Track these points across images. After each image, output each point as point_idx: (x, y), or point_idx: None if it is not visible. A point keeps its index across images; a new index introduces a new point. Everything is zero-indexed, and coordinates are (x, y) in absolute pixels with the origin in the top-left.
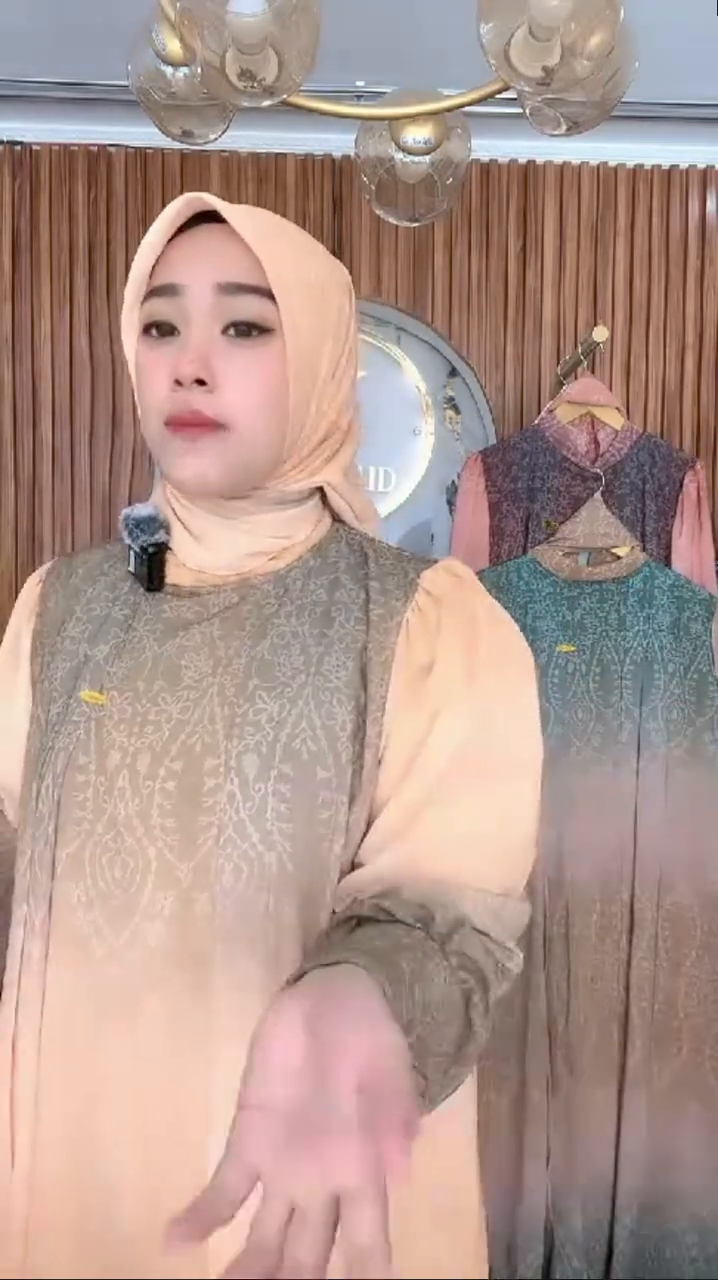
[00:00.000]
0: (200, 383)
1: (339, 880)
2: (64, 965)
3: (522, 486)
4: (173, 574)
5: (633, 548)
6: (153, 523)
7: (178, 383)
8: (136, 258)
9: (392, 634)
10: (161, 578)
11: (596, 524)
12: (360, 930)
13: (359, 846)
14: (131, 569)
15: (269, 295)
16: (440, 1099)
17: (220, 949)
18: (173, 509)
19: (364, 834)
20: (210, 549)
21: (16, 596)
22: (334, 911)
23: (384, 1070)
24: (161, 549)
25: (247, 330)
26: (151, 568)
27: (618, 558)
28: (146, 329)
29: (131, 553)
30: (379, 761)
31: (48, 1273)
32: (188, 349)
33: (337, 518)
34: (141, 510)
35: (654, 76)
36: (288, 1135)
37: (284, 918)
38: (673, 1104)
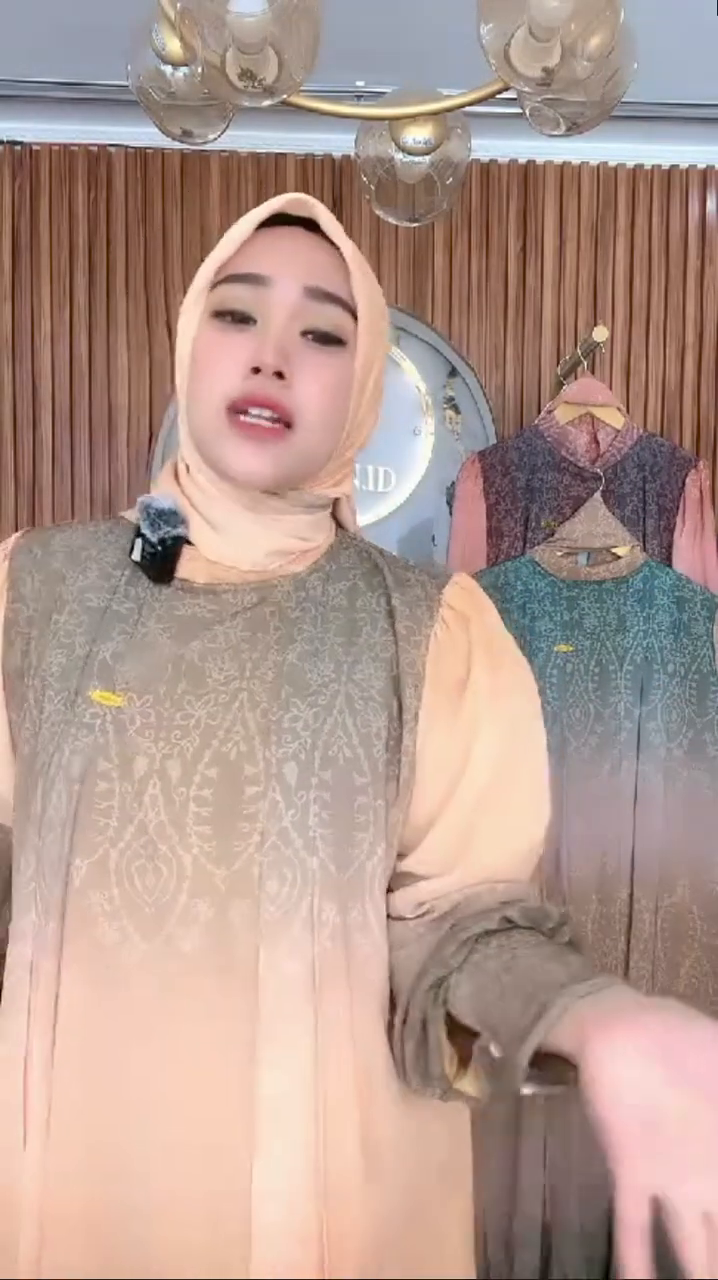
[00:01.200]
0: (279, 375)
1: (378, 880)
2: (83, 978)
3: (520, 487)
4: (184, 569)
5: (633, 548)
6: (174, 515)
7: (255, 370)
8: (226, 240)
9: (420, 648)
10: (172, 572)
11: (594, 524)
12: (520, 941)
13: (397, 850)
14: (136, 558)
15: (349, 309)
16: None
17: (264, 953)
18: (190, 499)
19: (399, 836)
20: (231, 542)
21: None
22: (399, 917)
23: None
24: (179, 542)
25: (324, 338)
26: (167, 561)
27: (617, 557)
28: (219, 314)
29: (140, 543)
30: (413, 770)
31: None
32: (269, 338)
33: (338, 524)
34: (163, 501)
35: (654, 76)
36: (678, 1150)
37: (325, 918)
38: None
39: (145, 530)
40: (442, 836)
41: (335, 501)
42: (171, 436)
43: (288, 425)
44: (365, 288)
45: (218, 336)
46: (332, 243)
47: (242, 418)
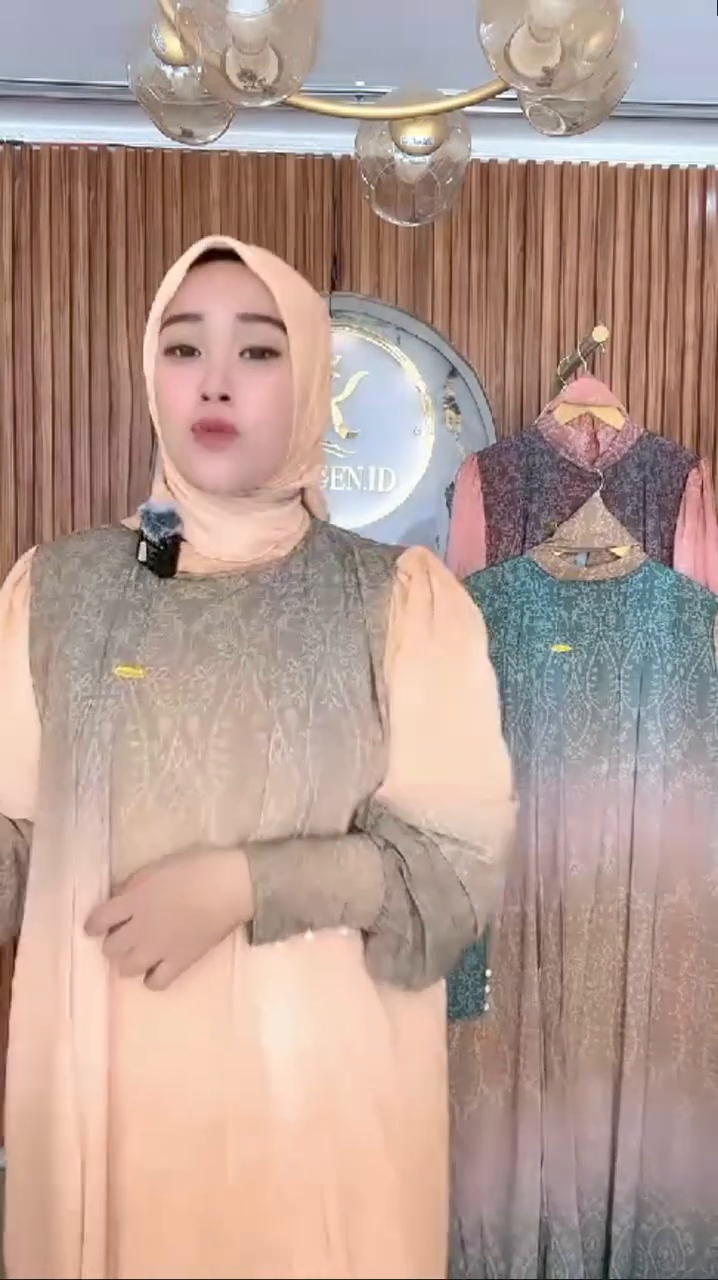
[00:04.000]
0: (224, 398)
1: (360, 803)
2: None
3: (519, 487)
4: (184, 563)
5: (632, 547)
6: (173, 517)
7: (205, 397)
8: (164, 289)
9: (384, 609)
10: (174, 567)
11: (593, 524)
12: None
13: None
14: (143, 559)
15: (279, 324)
16: (358, 925)
17: None
18: (180, 504)
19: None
20: (218, 538)
21: None
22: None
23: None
24: (178, 540)
25: (261, 354)
26: (169, 557)
27: (616, 557)
28: (169, 350)
29: (144, 544)
30: (388, 711)
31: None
32: (213, 368)
33: (310, 513)
34: (160, 506)
35: (654, 76)
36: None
37: (311, 834)
38: (670, 1102)
39: (148, 533)
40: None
41: (304, 493)
42: None
43: (240, 435)
44: (292, 302)
45: (172, 370)
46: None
47: (201, 432)
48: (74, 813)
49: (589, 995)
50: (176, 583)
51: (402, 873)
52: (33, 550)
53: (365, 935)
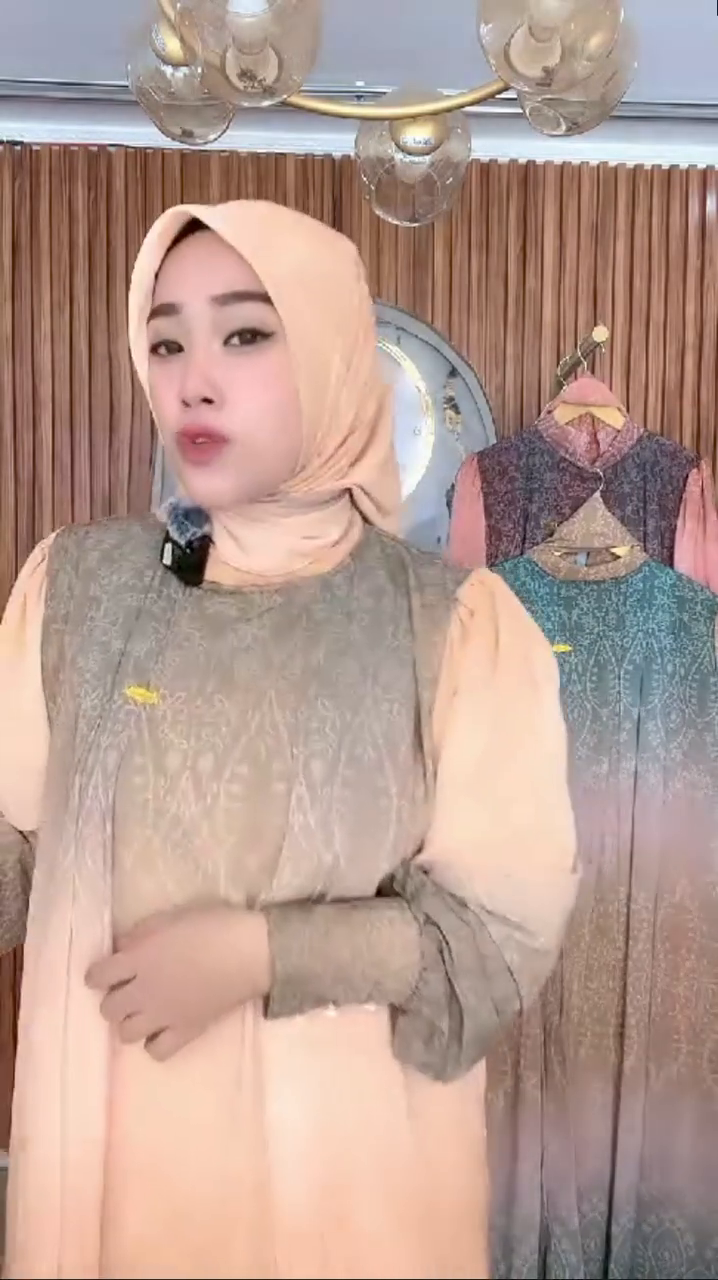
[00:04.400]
0: (207, 400)
1: (384, 874)
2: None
3: (519, 487)
4: (213, 571)
5: (633, 547)
6: (200, 514)
7: (185, 403)
8: (134, 279)
9: (437, 649)
10: (202, 574)
11: (593, 524)
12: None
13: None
14: (167, 562)
15: (263, 298)
16: (387, 1002)
17: None
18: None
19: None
20: (248, 549)
21: None
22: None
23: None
24: (207, 541)
25: (249, 338)
26: (197, 563)
27: (617, 557)
28: (154, 348)
29: (169, 546)
30: (436, 770)
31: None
32: (190, 366)
33: (365, 518)
34: (188, 501)
35: (654, 76)
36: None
37: (337, 899)
38: (671, 1103)
39: (174, 534)
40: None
41: (351, 493)
42: None
43: (231, 441)
44: (280, 267)
45: (158, 370)
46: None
47: (189, 444)
48: (74, 847)
49: (590, 996)
50: (203, 593)
51: (442, 956)
52: (52, 536)
53: (394, 1009)
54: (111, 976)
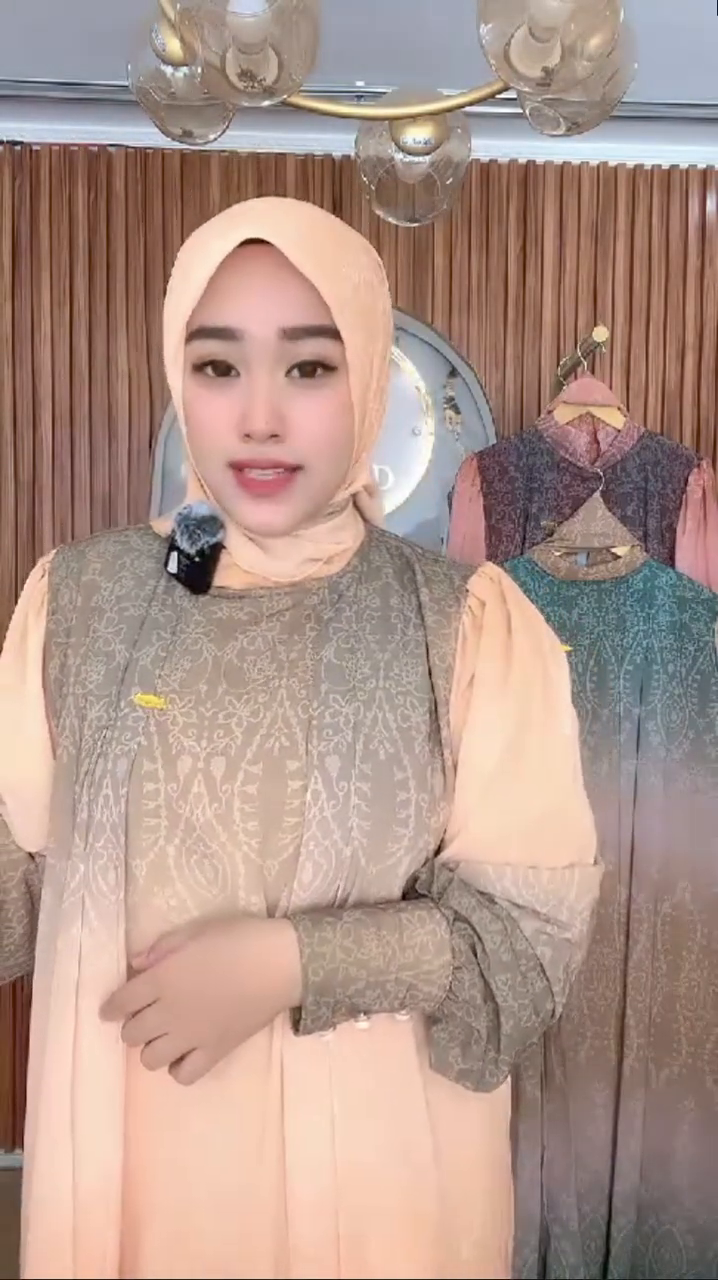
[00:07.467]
0: (273, 435)
1: (407, 872)
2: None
3: (518, 487)
4: (220, 576)
5: (633, 547)
6: (214, 522)
7: (248, 435)
8: (180, 290)
9: (450, 641)
10: (209, 581)
11: (593, 524)
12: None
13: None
14: (173, 570)
15: (332, 334)
16: (419, 1009)
17: None
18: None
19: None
20: (273, 556)
21: (16, 596)
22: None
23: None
24: (218, 549)
25: (312, 370)
26: (205, 571)
27: (616, 557)
28: (199, 367)
29: (176, 554)
30: (454, 763)
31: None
32: (256, 400)
33: (364, 518)
34: (201, 508)
35: (654, 76)
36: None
37: (360, 902)
38: (671, 1104)
39: (182, 543)
40: (450, 821)
41: (354, 496)
42: (172, 437)
43: (298, 470)
44: (347, 298)
45: (204, 392)
46: None
47: (247, 473)
48: (83, 863)
49: (590, 996)
50: (210, 599)
51: (475, 954)
52: (49, 555)
53: (425, 1019)
54: (131, 1004)
